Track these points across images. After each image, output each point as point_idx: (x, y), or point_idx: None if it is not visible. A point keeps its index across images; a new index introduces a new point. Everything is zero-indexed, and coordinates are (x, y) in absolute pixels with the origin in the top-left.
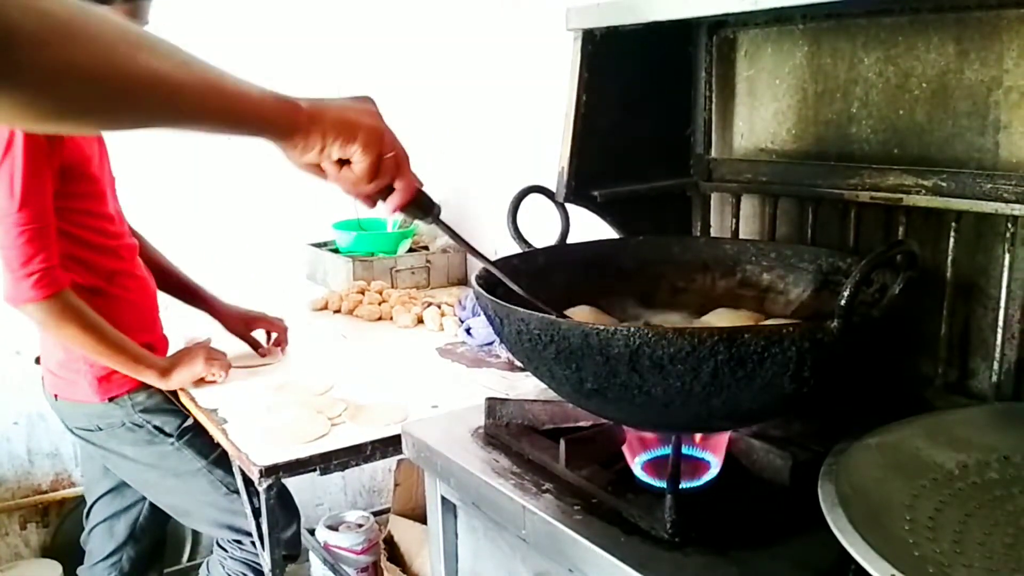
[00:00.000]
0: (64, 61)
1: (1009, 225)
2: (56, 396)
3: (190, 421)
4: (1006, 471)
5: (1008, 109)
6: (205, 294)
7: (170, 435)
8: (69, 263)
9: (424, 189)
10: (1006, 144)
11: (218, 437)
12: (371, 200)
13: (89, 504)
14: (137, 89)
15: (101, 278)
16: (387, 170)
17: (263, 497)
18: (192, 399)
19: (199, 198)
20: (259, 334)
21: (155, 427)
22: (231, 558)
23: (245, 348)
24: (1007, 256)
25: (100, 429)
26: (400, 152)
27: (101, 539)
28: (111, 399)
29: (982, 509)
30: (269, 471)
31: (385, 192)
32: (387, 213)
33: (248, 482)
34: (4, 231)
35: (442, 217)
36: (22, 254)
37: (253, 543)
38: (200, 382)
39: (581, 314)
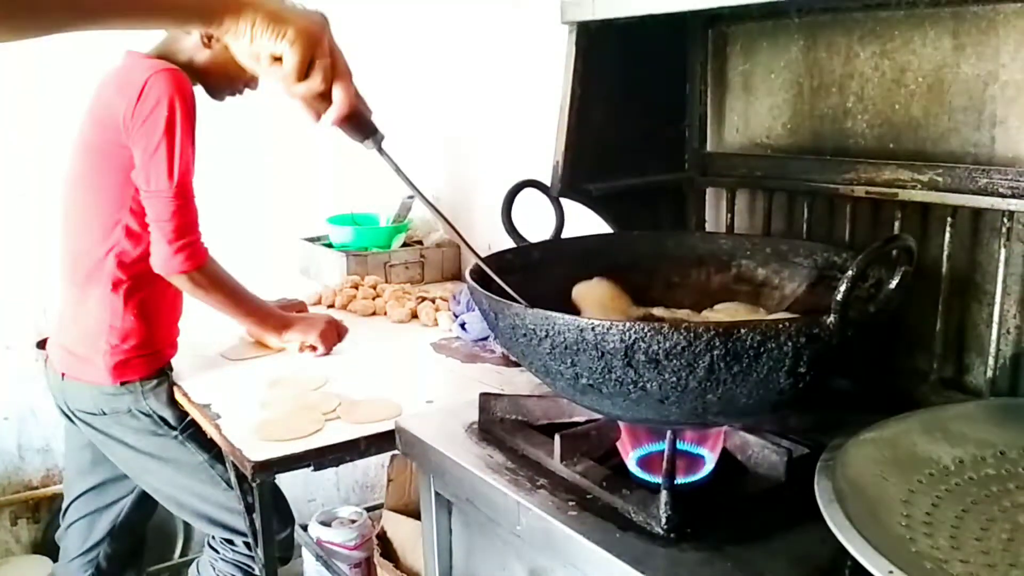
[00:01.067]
0: None
1: (1005, 220)
2: (63, 375)
3: None
4: (1002, 466)
5: (1004, 104)
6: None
7: (174, 427)
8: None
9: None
10: (1002, 139)
11: (211, 432)
12: (314, 110)
13: (67, 501)
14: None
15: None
16: (321, 74)
17: (256, 493)
18: (185, 394)
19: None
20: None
21: (160, 418)
22: (222, 559)
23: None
24: (1003, 251)
25: (104, 414)
26: (339, 61)
27: (79, 536)
28: (123, 383)
29: (979, 504)
30: (262, 467)
31: (328, 103)
32: (327, 124)
33: (241, 478)
34: (161, 206)
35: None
36: (174, 229)
37: (245, 543)
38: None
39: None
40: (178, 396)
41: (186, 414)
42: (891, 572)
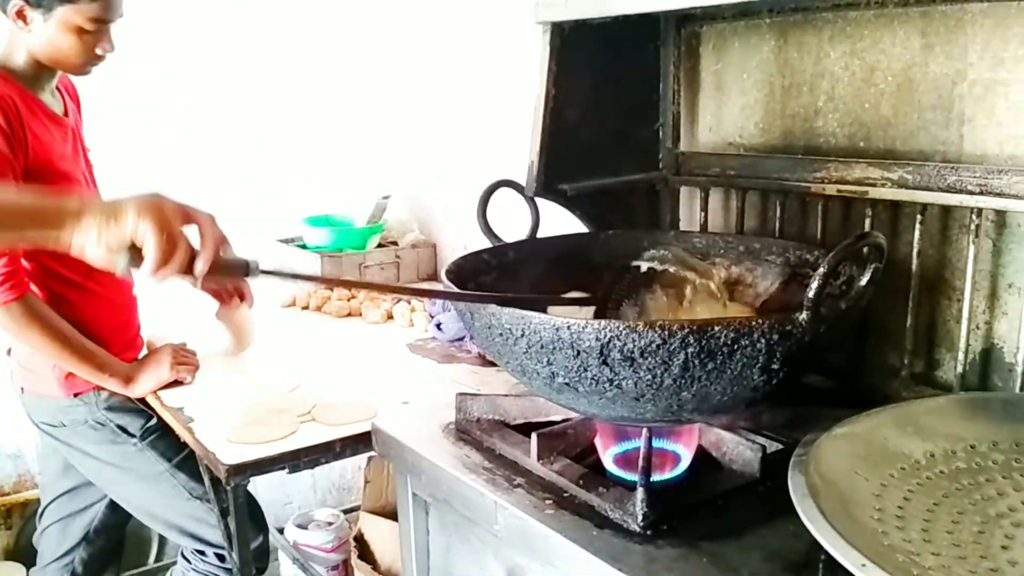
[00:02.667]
0: None
1: (973, 217)
2: (23, 389)
3: (154, 421)
4: (973, 460)
5: (972, 102)
6: None
7: (133, 435)
8: (46, 260)
9: (229, 254)
10: (970, 137)
11: (184, 436)
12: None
13: (44, 504)
14: None
15: (79, 274)
16: (181, 257)
17: (231, 496)
18: (157, 397)
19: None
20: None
21: (118, 426)
22: (194, 570)
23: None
24: (972, 248)
25: (64, 425)
26: (186, 223)
27: (54, 540)
28: (76, 395)
29: (950, 498)
30: (237, 470)
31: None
32: (196, 286)
33: (216, 482)
34: None
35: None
36: None
37: (217, 555)
38: (168, 385)
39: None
40: (150, 399)
41: (147, 420)
42: (864, 565)
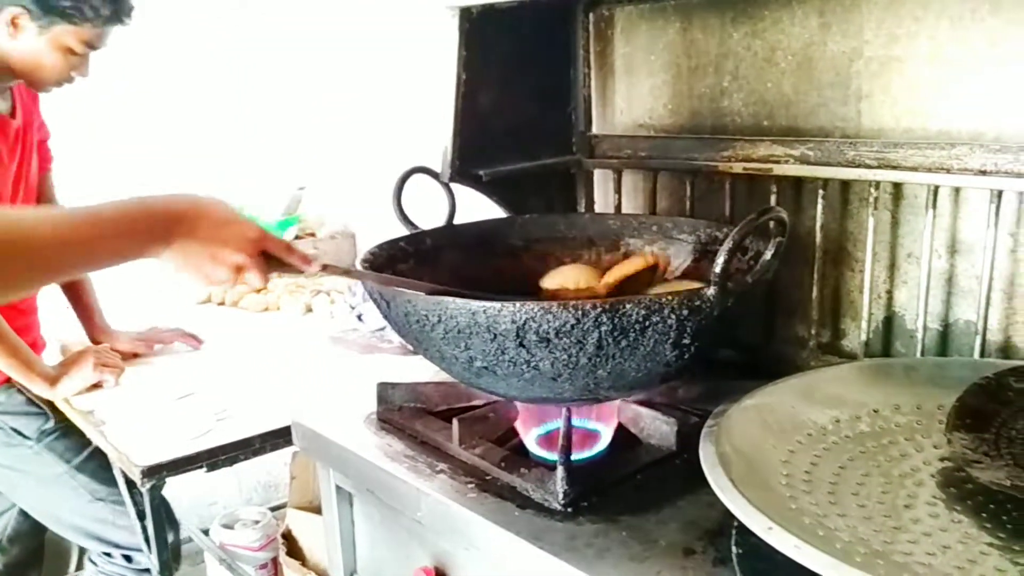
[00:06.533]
0: None
1: (872, 190)
2: None
3: (52, 423)
4: (876, 423)
5: (869, 78)
6: (94, 317)
7: (29, 438)
8: None
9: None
10: (868, 112)
11: (96, 439)
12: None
13: None
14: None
15: None
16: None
17: (147, 498)
18: (67, 400)
19: (86, 189)
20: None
21: (13, 429)
22: (101, 572)
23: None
24: (871, 220)
25: None
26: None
27: None
28: None
29: (855, 461)
30: (152, 471)
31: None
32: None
33: (131, 484)
34: None
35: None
36: None
37: (124, 556)
38: (90, 388)
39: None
40: (60, 403)
41: (44, 422)
42: (770, 528)
